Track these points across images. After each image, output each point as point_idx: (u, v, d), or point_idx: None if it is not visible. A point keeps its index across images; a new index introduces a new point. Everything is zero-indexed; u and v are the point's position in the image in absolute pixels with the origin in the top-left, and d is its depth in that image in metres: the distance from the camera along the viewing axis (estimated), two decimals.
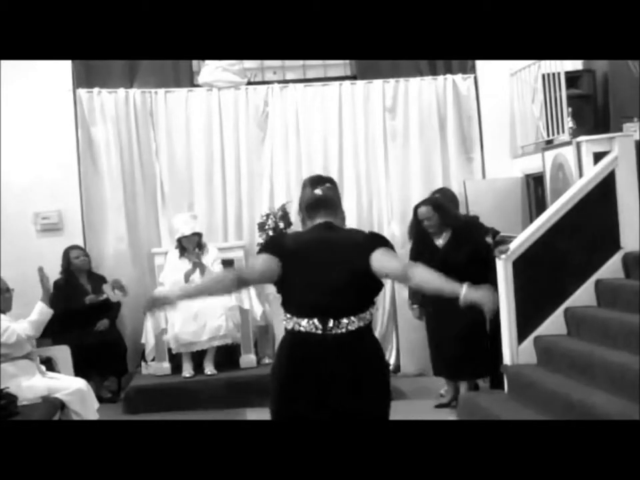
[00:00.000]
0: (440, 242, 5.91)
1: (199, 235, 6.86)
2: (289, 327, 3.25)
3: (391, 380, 3.39)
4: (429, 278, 3.16)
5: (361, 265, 3.16)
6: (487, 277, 5.44)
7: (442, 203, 6.06)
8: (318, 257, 3.21)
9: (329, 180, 3.52)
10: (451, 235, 5.89)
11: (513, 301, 5.42)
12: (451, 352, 5.78)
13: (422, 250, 5.84)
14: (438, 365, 6.08)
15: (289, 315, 3.26)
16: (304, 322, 3.18)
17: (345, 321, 3.14)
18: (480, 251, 5.69)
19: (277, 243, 3.38)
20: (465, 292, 3.00)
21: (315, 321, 3.15)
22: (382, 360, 3.33)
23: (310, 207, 3.39)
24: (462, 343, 5.71)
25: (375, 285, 3.25)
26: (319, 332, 3.14)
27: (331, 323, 3.14)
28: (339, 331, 3.14)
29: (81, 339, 6.42)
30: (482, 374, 6.03)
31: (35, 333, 5.29)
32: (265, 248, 3.33)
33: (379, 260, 3.15)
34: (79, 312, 6.68)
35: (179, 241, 6.82)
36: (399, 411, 3.76)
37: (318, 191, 3.42)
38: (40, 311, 5.26)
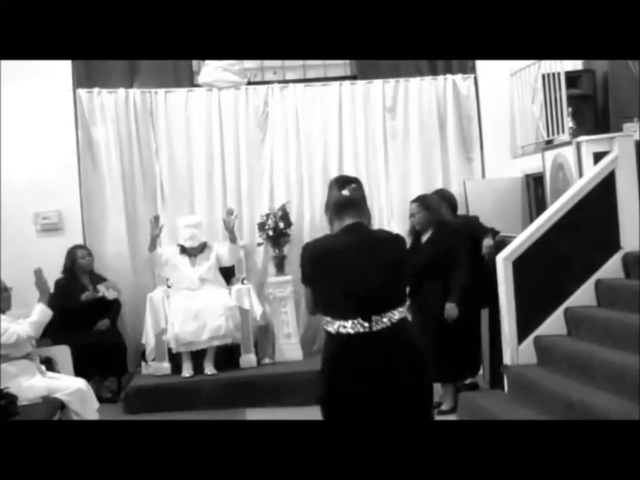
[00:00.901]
0: (423, 239, 5.98)
1: (203, 243, 6.89)
2: (333, 329, 3.30)
3: None
4: None
5: (397, 264, 3.36)
6: (447, 282, 5.68)
7: (429, 201, 6.07)
8: (354, 260, 3.32)
9: (355, 180, 3.57)
10: (430, 234, 5.91)
11: (513, 301, 5.42)
12: (434, 355, 5.74)
13: (410, 246, 5.88)
14: (442, 368, 6.09)
15: (329, 319, 3.32)
16: (348, 323, 3.26)
17: (386, 315, 3.26)
18: (453, 254, 5.75)
19: (308, 269, 3.43)
20: None
21: (359, 319, 3.24)
22: (420, 350, 3.43)
23: (338, 207, 3.47)
24: (442, 344, 5.68)
25: (404, 277, 3.48)
26: (365, 330, 3.24)
27: (374, 320, 3.24)
28: (383, 325, 3.25)
29: (81, 339, 6.43)
30: (465, 375, 6.07)
31: (35, 334, 5.29)
32: (304, 280, 3.46)
33: None
34: (78, 310, 6.67)
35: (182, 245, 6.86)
36: None
37: (345, 192, 3.47)
38: (40, 312, 5.26)
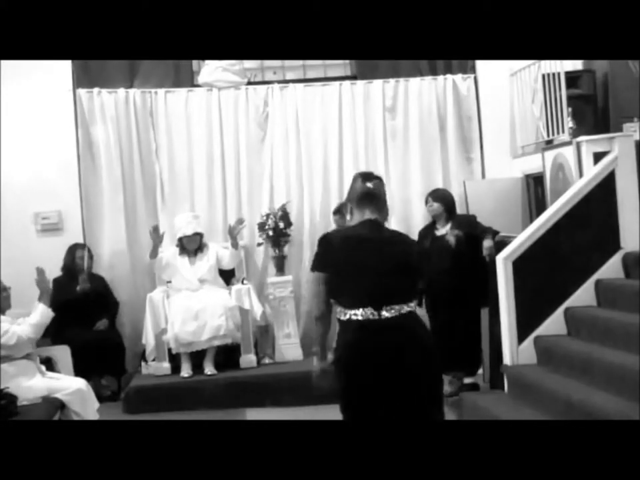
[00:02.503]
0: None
1: (200, 235, 6.88)
2: (345, 317, 3.46)
3: None
4: None
5: (409, 263, 3.56)
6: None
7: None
8: (369, 252, 3.50)
9: (379, 177, 3.79)
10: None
11: (513, 301, 5.42)
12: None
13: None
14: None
15: (341, 308, 3.47)
16: (359, 311, 3.41)
17: (396, 307, 3.42)
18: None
19: (325, 256, 3.58)
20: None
21: (370, 308, 3.39)
22: (430, 338, 3.62)
23: (360, 199, 3.65)
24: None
25: (418, 278, 3.69)
26: (375, 317, 3.39)
27: (384, 310, 3.39)
28: (392, 314, 3.40)
29: (81, 339, 6.43)
30: (464, 368, 6.16)
31: (35, 336, 5.29)
32: (317, 266, 3.58)
33: None
34: (75, 308, 6.66)
35: (180, 240, 6.84)
36: None
37: (370, 184, 3.65)
38: (41, 313, 5.26)
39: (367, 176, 3.72)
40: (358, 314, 3.40)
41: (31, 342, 5.30)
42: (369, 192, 3.63)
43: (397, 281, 3.46)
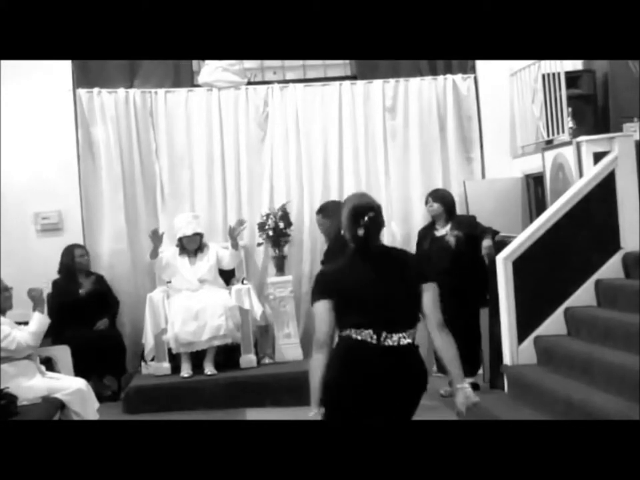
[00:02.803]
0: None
1: (200, 235, 6.88)
2: (345, 333, 3.38)
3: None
4: (446, 350, 3.40)
5: (413, 287, 3.39)
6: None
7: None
8: (367, 280, 3.37)
9: (371, 208, 3.43)
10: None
11: (513, 301, 5.42)
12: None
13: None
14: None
15: (343, 329, 3.39)
16: (360, 332, 3.33)
17: (397, 335, 3.33)
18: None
19: (325, 284, 3.46)
20: (461, 390, 3.34)
21: (370, 331, 3.31)
22: (426, 377, 3.49)
23: (352, 244, 3.47)
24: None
25: (419, 302, 3.45)
26: (374, 342, 3.31)
27: (384, 335, 3.31)
28: (391, 344, 3.32)
29: (81, 339, 6.42)
30: (477, 366, 6.20)
31: (34, 344, 5.32)
32: (319, 293, 3.43)
33: (428, 299, 3.40)
34: (75, 308, 6.66)
35: (180, 240, 6.84)
36: None
37: (360, 232, 3.40)
38: (38, 322, 5.29)
39: (357, 214, 3.42)
40: (358, 333, 3.33)
41: (31, 349, 5.31)
42: (359, 241, 3.41)
43: (400, 307, 3.37)
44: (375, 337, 3.31)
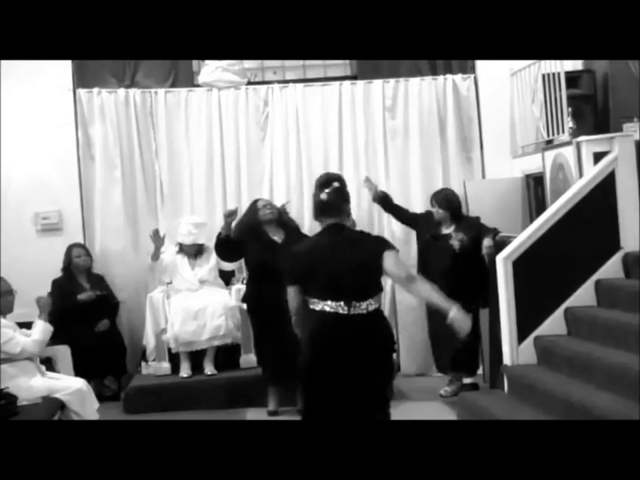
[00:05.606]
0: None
1: (200, 244, 6.88)
2: (317, 307, 3.76)
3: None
4: (424, 290, 3.82)
5: (374, 259, 3.78)
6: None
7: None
8: (336, 255, 3.77)
9: (336, 179, 3.92)
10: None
11: (513, 301, 5.41)
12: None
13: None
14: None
15: (316, 300, 3.77)
16: (332, 304, 3.72)
17: (365, 302, 3.73)
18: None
19: (293, 269, 3.90)
20: (453, 313, 3.67)
21: (342, 303, 3.70)
22: (392, 335, 3.96)
23: (316, 211, 3.92)
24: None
25: (381, 272, 3.85)
26: (345, 312, 3.70)
27: (353, 305, 3.71)
28: (360, 311, 3.72)
29: (81, 339, 6.42)
30: (463, 368, 6.21)
31: (38, 352, 5.35)
32: (290, 277, 3.89)
33: (389, 263, 3.79)
34: (76, 309, 6.66)
35: (180, 243, 6.85)
36: (400, 411, 3.76)
37: (324, 196, 3.84)
38: (42, 330, 5.32)
39: (322, 184, 3.88)
40: (330, 305, 3.71)
41: (33, 355, 5.32)
42: (324, 204, 3.84)
43: (361, 278, 3.74)
44: (345, 307, 3.69)
